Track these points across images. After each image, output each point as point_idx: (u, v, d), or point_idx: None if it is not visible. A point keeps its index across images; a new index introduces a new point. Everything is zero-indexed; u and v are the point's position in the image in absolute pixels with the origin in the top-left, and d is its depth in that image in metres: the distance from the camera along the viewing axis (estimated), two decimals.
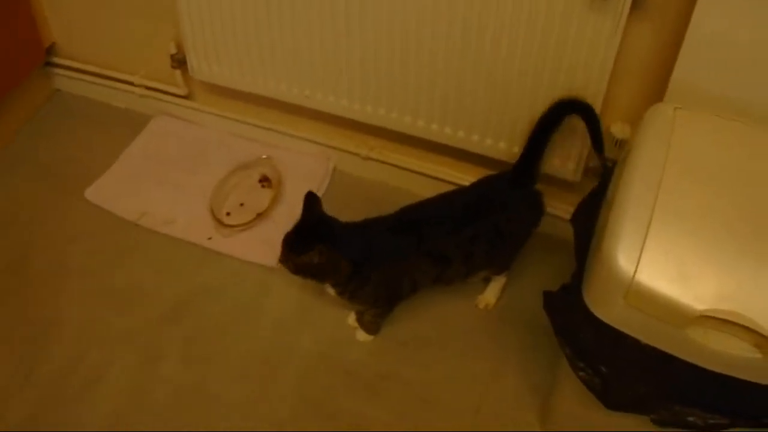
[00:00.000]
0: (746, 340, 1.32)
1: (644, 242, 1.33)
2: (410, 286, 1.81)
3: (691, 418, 1.47)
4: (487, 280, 2.02)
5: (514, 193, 1.80)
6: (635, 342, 1.39)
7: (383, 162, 2.25)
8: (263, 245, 2.11)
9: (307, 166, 2.29)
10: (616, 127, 1.87)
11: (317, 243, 1.65)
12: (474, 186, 1.83)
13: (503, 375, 1.93)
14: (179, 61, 2.19)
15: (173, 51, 2.18)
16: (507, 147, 1.99)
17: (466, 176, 2.07)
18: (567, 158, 1.92)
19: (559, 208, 2.08)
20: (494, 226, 1.81)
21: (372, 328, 1.90)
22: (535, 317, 1.95)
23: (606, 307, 1.39)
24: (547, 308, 1.58)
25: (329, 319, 2.01)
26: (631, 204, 1.38)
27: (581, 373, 1.49)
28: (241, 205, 2.18)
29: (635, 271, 1.32)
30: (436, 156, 2.18)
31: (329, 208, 1.98)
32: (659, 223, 1.35)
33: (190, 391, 1.82)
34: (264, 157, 2.29)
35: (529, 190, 1.81)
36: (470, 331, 2.01)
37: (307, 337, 1.99)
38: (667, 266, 1.32)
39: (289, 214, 2.14)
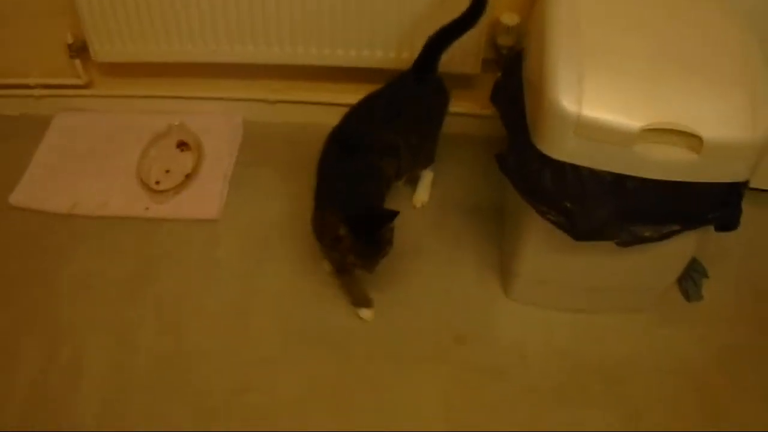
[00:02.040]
0: (682, 145, 1.51)
1: (582, 82, 1.50)
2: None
3: (647, 233, 1.63)
4: (413, 182, 2.14)
5: (420, 86, 1.88)
6: (590, 173, 1.55)
7: (290, 102, 2.33)
8: (199, 201, 2.17)
9: (219, 123, 2.36)
10: (505, 17, 2.02)
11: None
12: (384, 89, 1.88)
13: (459, 259, 2.06)
14: (78, 50, 2.17)
15: (70, 41, 2.15)
16: (396, 55, 2.10)
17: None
18: (465, 54, 2.05)
19: (464, 106, 2.22)
20: (416, 117, 1.87)
21: (359, 297, 1.91)
22: (470, 203, 2.09)
23: (560, 146, 1.56)
24: (503, 169, 1.70)
25: (285, 255, 2.05)
26: (561, 55, 1.55)
27: (548, 216, 1.63)
28: (167, 171, 2.23)
29: (580, 108, 1.48)
30: (338, 84, 2.26)
31: (249, 159, 2.09)
32: (590, 62, 1.53)
33: (171, 355, 1.82)
34: (176, 123, 2.32)
35: (432, 78, 1.88)
36: (417, 229, 2.11)
37: (269, 277, 2.03)
38: (606, 96, 1.51)
39: (213, 169, 2.24)
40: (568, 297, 1.94)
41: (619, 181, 1.55)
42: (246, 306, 1.94)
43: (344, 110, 2.01)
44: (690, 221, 1.63)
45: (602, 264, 1.79)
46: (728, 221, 1.65)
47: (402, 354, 1.85)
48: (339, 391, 1.78)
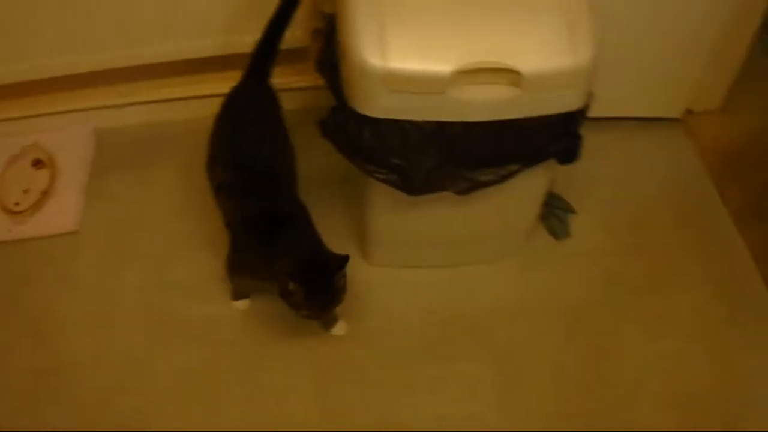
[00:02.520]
0: (502, 82, 1.47)
1: (383, 35, 1.46)
2: None
3: (486, 178, 1.61)
4: None
5: (256, 98, 1.80)
6: (410, 125, 1.52)
7: (141, 103, 2.27)
8: (58, 216, 2.13)
9: (71, 135, 2.30)
10: None
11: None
12: (226, 108, 1.79)
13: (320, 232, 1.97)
14: None
15: None
16: (239, 38, 2.01)
17: (219, 86, 2.04)
18: (293, 27, 1.96)
19: (304, 80, 2.17)
20: (262, 129, 1.78)
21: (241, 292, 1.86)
22: (320, 176, 2.03)
23: (373, 103, 1.52)
24: (325, 134, 1.65)
25: (145, 254, 2.05)
26: (359, 9, 1.50)
27: (378, 175, 1.60)
28: (25, 191, 2.17)
29: (385, 61, 1.44)
30: (186, 77, 2.22)
31: (104, 166, 2.09)
32: (390, 13, 1.48)
33: (48, 371, 1.81)
34: (29, 143, 2.25)
35: (264, 86, 1.79)
36: None
37: (130, 277, 2.00)
38: (411, 46, 1.46)
39: (69, 182, 2.19)
40: (429, 254, 1.91)
41: (443, 129, 1.52)
42: (111, 309, 1.93)
43: (196, 102, 2.02)
44: (528, 159, 1.61)
45: (454, 216, 1.77)
46: (568, 153, 1.64)
47: (268, 334, 1.82)
48: (208, 379, 1.76)
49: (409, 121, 1.51)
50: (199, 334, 1.82)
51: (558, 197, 2.08)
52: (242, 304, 1.83)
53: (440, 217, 1.77)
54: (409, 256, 1.89)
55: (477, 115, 1.51)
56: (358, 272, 1.93)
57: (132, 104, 2.27)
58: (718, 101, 2.40)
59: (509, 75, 1.46)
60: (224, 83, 1.91)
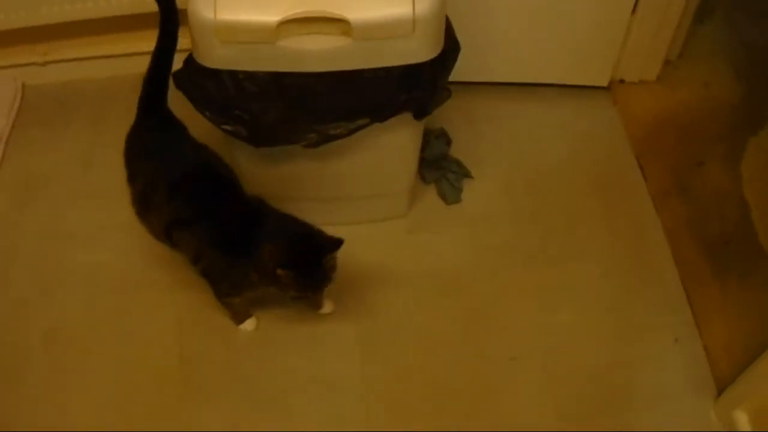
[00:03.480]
0: (334, 32, 1.47)
1: None
2: None
3: (336, 131, 1.60)
4: None
5: (160, 126, 1.71)
6: (247, 76, 1.53)
7: (63, 61, 2.31)
8: None
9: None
10: None
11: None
12: (135, 148, 1.72)
13: None
14: None
15: None
16: None
17: (135, 45, 2.12)
18: None
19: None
20: (181, 147, 1.72)
21: (242, 315, 1.84)
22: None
23: (211, 54, 1.53)
24: (179, 87, 1.64)
25: (48, 203, 2.06)
26: None
27: (225, 127, 1.61)
28: None
29: (215, 13, 1.46)
30: (105, 36, 2.25)
31: (28, 121, 2.14)
32: None
33: None
34: None
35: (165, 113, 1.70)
36: None
37: (31, 222, 2.02)
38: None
39: None
40: (312, 211, 1.85)
41: (281, 79, 1.52)
42: (4, 256, 1.96)
43: (115, 61, 2.13)
44: (377, 112, 1.60)
45: (323, 173, 1.77)
46: (420, 107, 1.63)
47: (144, 283, 1.86)
48: (80, 332, 1.79)
49: (245, 72, 1.52)
50: (69, 286, 1.86)
51: (454, 161, 2.06)
52: (250, 324, 1.80)
53: (310, 173, 1.77)
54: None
55: (312, 65, 1.51)
56: None
57: (55, 62, 2.31)
58: (655, 72, 2.35)
59: (340, 24, 1.45)
60: (141, 42, 1.95)
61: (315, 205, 1.85)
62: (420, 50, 1.52)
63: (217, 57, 1.52)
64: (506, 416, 1.70)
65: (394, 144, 1.72)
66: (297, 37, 1.47)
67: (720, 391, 1.77)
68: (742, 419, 1.66)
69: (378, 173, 1.82)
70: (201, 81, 1.57)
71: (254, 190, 1.77)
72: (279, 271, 1.47)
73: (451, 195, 2.02)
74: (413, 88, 1.57)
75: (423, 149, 1.98)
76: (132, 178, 1.67)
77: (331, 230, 1.78)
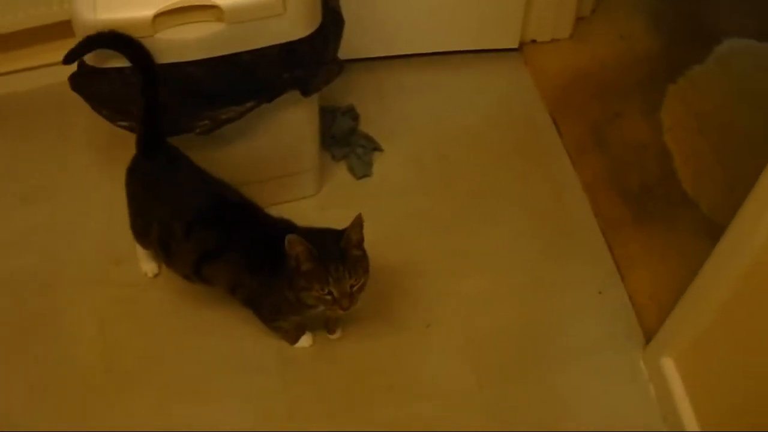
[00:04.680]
0: (207, 19, 1.64)
1: None
2: None
3: (227, 116, 1.77)
4: None
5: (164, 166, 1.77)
6: (132, 71, 1.68)
7: None
8: None
9: None
10: None
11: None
12: (143, 187, 1.81)
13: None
14: None
15: None
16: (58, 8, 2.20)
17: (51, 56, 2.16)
18: None
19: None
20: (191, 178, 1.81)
21: (296, 334, 1.93)
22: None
23: (97, 54, 1.68)
24: (75, 89, 1.78)
25: None
26: None
27: (121, 123, 1.76)
28: None
29: (95, 13, 1.62)
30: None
31: None
32: None
33: None
34: None
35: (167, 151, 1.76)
36: (81, 165, 2.26)
37: None
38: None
39: None
40: None
41: (166, 71, 1.67)
42: None
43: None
44: (263, 93, 1.76)
45: (225, 158, 1.91)
46: (305, 84, 1.78)
47: (59, 283, 1.99)
48: (4, 333, 1.91)
49: (130, 68, 1.66)
50: (4, 285, 1.98)
51: (362, 135, 2.22)
52: (306, 341, 1.89)
53: (213, 160, 1.86)
54: None
55: (192, 54, 1.66)
56: None
57: None
58: (567, 29, 2.53)
59: (213, 11, 1.61)
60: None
61: None
62: (294, 28, 1.67)
63: (103, 55, 1.67)
64: (427, 384, 1.82)
65: (290, 123, 1.88)
66: (174, 28, 1.62)
67: (648, 340, 1.89)
68: (668, 365, 1.79)
69: (280, 154, 1.96)
70: (93, 81, 1.71)
71: None
72: (305, 266, 1.54)
73: (359, 169, 2.17)
74: (294, 66, 1.72)
75: (330, 126, 2.16)
76: (145, 224, 1.79)
77: None
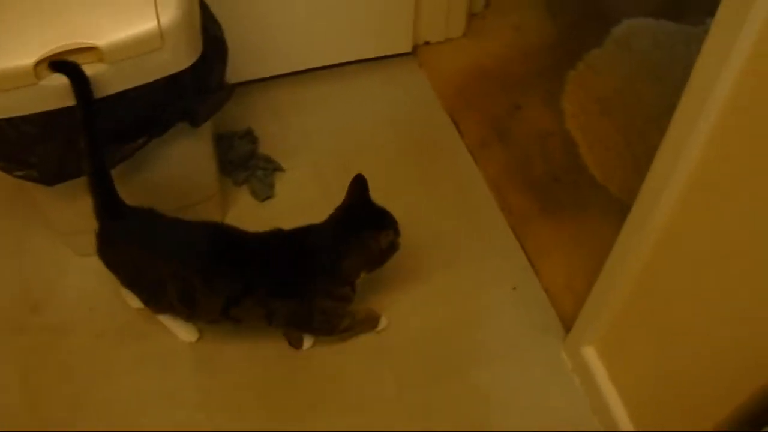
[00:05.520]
0: (89, 60, 1.70)
1: None
2: None
3: (120, 153, 1.85)
4: None
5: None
6: (22, 120, 1.73)
7: None
8: None
9: None
10: None
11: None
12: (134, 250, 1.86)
13: (30, 235, 2.30)
14: None
15: None
16: None
17: None
18: None
19: None
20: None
21: (370, 318, 2.04)
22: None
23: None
24: None
25: None
26: None
27: (17, 173, 1.80)
28: None
29: None
30: None
31: None
32: None
33: None
34: None
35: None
36: None
37: None
38: None
39: None
40: None
41: (57, 116, 1.71)
42: None
43: None
44: (153, 128, 1.84)
45: (126, 194, 1.92)
46: (193, 114, 1.87)
47: None
48: None
49: (20, 117, 1.71)
50: None
51: (262, 157, 2.31)
52: (384, 321, 2.02)
53: None
54: None
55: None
56: (68, 265, 2.19)
57: None
58: (460, 28, 2.66)
59: (93, 52, 1.66)
60: None
61: None
62: (175, 60, 1.74)
63: None
64: (349, 395, 1.90)
65: (185, 154, 1.96)
66: (57, 73, 1.67)
67: (568, 330, 1.98)
68: (590, 354, 1.88)
69: (178, 185, 2.03)
70: None
71: (67, 228, 2.02)
72: (396, 240, 1.79)
73: (261, 191, 2.25)
74: (180, 98, 1.79)
75: (228, 152, 2.25)
76: (156, 288, 1.82)
77: None
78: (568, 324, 1.98)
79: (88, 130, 1.64)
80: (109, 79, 1.71)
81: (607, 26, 2.82)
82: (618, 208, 2.10)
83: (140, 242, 1.76)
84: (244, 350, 1.99)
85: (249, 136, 2.35)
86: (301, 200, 2.26)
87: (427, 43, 2.63)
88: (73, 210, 2.00)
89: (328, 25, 2.42)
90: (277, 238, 1.77)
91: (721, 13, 1.14)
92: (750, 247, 1.26)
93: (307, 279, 1.74)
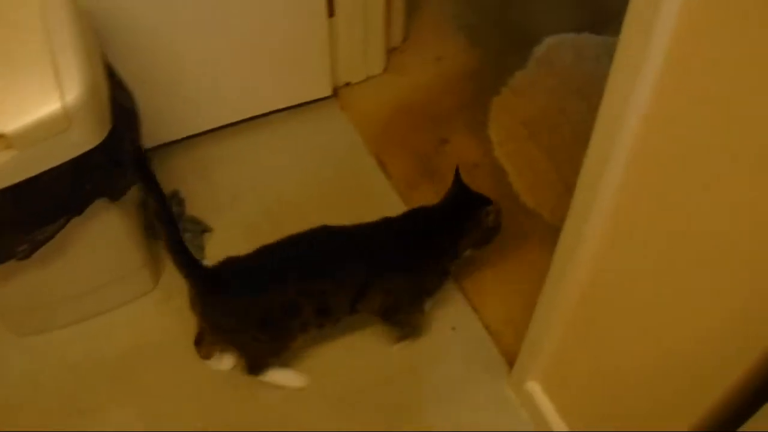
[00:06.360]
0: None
1: None
2: None
3: (43, 236, 1.91)
4: None
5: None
6: None
7: None
8: None
9: None
10: None
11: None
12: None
13: None
14: None
15: None
16: None
17: None
18: None
19: None
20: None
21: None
22: None
23: None
24: None
25: None
26: None
27: None
28: None
29: None
30: None
31: None
32: None
33: None
34: None
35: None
36: None
37: None
38: None
39: None
40: (63, 312, 2.20)
41: None
42: None
43: None
44: (72, 207, 1.88)
45: (56, 275, 2.05)
46: (111, 189, 1.93)
47: None
48: None
49: None
50: None
51: (189, 219, 2.36)
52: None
53: (44, 279, 2.03)
54: (47, 319, 2.17)
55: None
56: (6, 346, 2.23)
57: None
58: (380, 65, 2.74)
59: (1, 139, 1.71)
60: None
61: (65, 303, 2.15)
62: (84, 139, 1.78)
63: None
64: None
65: (109, 228, 2.01)
66: None
67: (512, 365, 2.04)
68: (535, 389, 1.93)
69: (105, 259, 2.09)
70: None
71: (3, 309, 2.08)
72: (500, 220, 2.01)
73: (193, 251, 2.35)
74: (94, 175, 1.84)
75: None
76: (285, 324, 1.91)
77: (85, 325, 2.14)
78: (511, 359, 2.04)
79: (153, 195, 1.76)
80: (20, 166, 1.75)
81: (530, 46, 2.89)
82: (552, 234, 2.03)
83: (251, 287, 1.86)
84: (193, 410, 2.09)
85: (175, 198, 2.39)
86: None
87: (347, 83, 2.70)
88: (7, 294, 2.05)
89: (244, 77, 2.48)
90: (388, 224, 1.96)
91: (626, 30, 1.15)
92: (684, 265, 1.30)
93: (426, 258, 1.96)
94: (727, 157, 1.09)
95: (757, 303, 1.17)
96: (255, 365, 2.02)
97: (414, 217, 2.01)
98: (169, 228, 1.74)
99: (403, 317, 2.06)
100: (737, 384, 1.29)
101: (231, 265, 1.86)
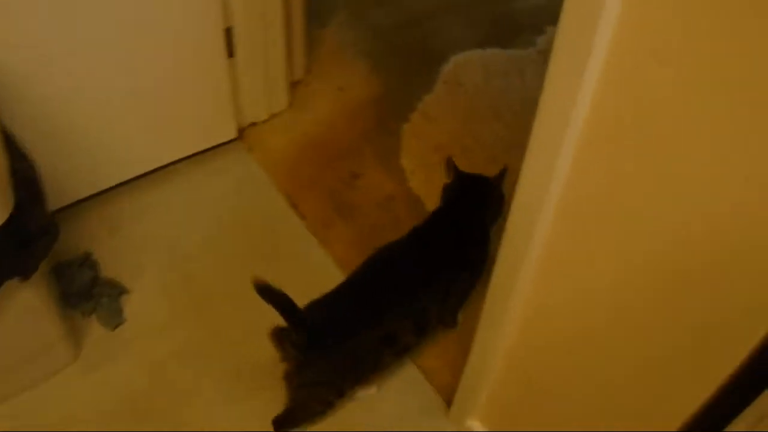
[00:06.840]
0: None
1: None
2: None
3: None
4: None
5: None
6: None
7: None
8: None
9: None
10: None
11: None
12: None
13: None
14: None
15: None
16: None
17: None
18: None
19: None
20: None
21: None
22: None
23: None
24: None
25: None
26: None
27: None
28: None
29: None
30: None
31: None
32: None
33: None
34: None
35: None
36: None
37: None
38: None
39: None
40: None
41: None
42: None
43: None
44: None
45: None
46: (22, 268, 1.93)
47: None
48: None
49: None
50: None
51: (105, 283, 2.36)
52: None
53: None
54: None
55: None
56: None
57: None
58: (284, 101, 2.75)
59: None
60: None
61: None
62: None
63: None
64: None
65: (21, 306, 1.99)
66: None
67: (449, 404, 2.07)
68: (476, 426, 1.97)
69: (21, 338, 2.07)
70: None
71: None
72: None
73: (110, 320, 2.30)
74: (1, 257, 1.83)
75: (69, 285, 2.29)
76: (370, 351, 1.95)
77: (9, 403, 2.13)
78: (448, 397, 2.08)
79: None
80: None
81: (436, 66, 2.93)
82: None
83: (347, 327, 1.91)
84: None
85: (88, 261, 2.39)
86: (152, 319, 2.32)
87: (252, 123, 2.70)
88: None
89: (147, 129, 2.48)
90: (433, 226, 2.11)
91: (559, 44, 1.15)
92: (616, 298, 1.35)
93: (474, 249, 2.09)
94: (654, 184, 1.15)
95: (689, 338, 1.25)
96: (291, 422, 2.04)
97: (448, 215, 2.15)
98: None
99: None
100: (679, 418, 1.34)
101: (316, 311, 1.91)
